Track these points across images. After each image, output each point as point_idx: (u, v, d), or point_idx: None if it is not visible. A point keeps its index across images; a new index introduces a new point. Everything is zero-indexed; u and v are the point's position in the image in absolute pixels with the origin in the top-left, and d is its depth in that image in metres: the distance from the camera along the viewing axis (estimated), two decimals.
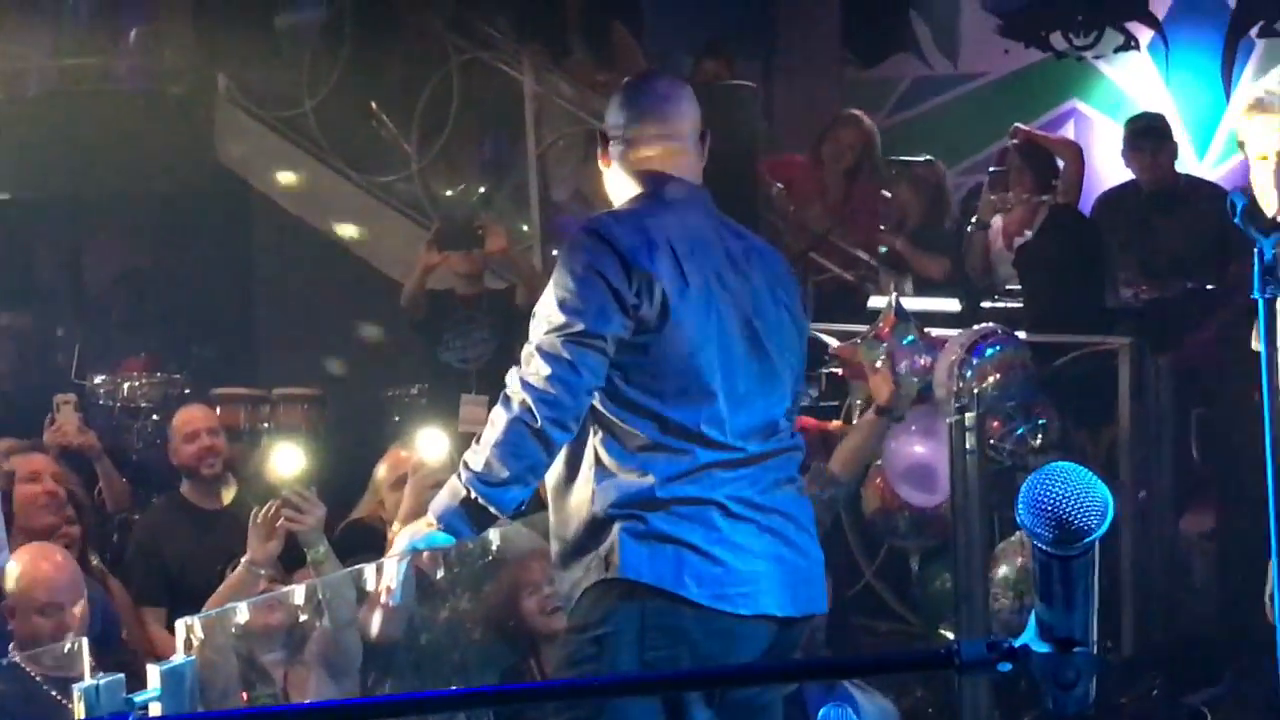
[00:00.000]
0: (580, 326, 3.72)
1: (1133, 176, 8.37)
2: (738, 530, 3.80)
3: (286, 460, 5.17)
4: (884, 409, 5.94)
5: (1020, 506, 2.02)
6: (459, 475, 3.78)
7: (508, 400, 3.74)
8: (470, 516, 3.77)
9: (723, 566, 3.77)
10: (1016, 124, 8.35)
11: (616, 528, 3.76)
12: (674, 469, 3.78)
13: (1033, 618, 2.08)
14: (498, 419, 3.74)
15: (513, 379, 3.76)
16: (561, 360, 3.70)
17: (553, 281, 3.83)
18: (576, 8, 9.36)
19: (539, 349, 3.74)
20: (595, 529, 3.80)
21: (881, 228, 8.55)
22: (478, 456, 3.73)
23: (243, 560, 5.06)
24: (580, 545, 3.83)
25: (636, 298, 3.75)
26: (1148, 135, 8.03)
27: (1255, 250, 3.06)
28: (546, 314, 3.78)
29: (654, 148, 3.97)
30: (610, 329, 3.73)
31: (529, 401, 3.69)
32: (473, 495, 3.73)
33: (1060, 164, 8.14)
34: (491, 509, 3.76)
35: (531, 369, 3.73)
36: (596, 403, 3.81)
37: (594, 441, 3.83)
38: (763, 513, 3.84)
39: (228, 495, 6.47)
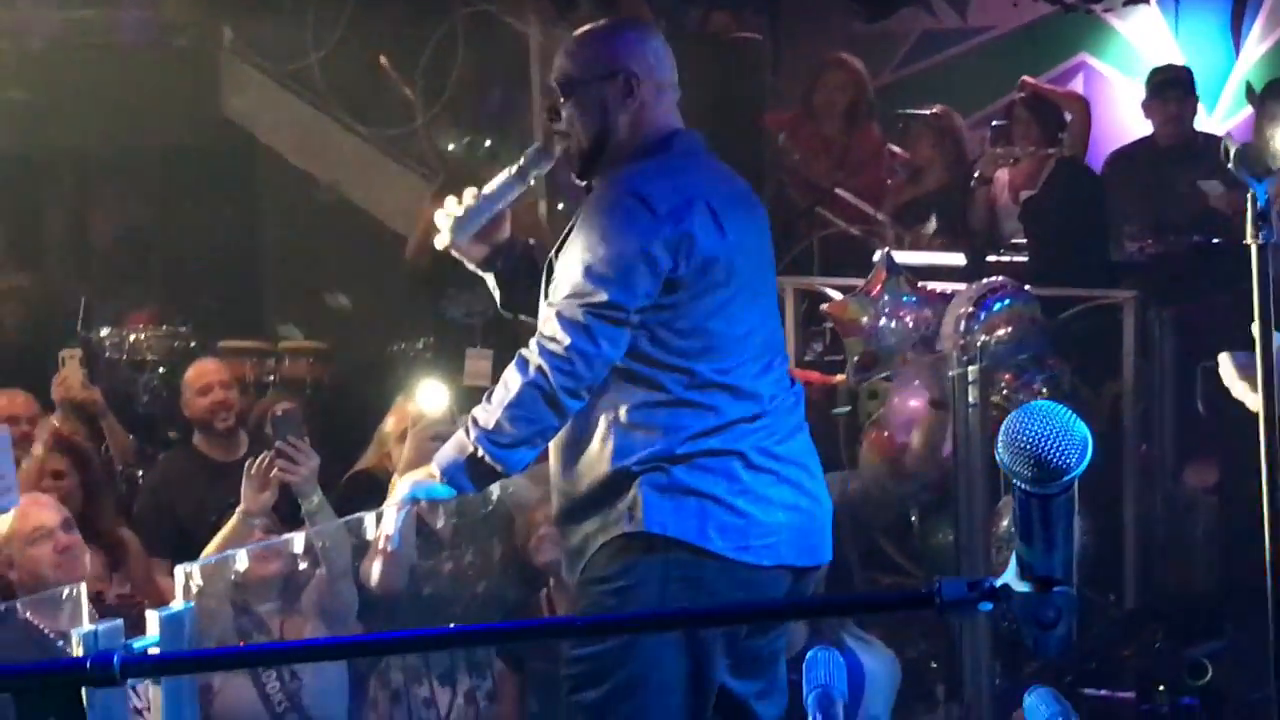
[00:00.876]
0: (604, 297, 3.68)
1: (1143, 133, 8.36)
2: (759, 481, 3.81)
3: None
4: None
5: (999, 445, 2.04)
6: (467, 431, 3.76)
7: (524, 362, 3.71)
8: (475, 472, 3.77)
9: (745, 518, 3.78)
10: (1023, 77, 8.33)
11: (639, 481, 3.76)
12: (701, 425, 3.78)
13: (1013, 557, 2.10)
14: (511, 380, 3.71)
15: (533, 341, 3.73)
16: (581, 330, 3.67)
17: (580, 241, 3.75)
18: None
19: (559, 315, 3.69)
20: (614, 483, 3.79)
21: (889, 182, 8.54)
22: (488, 415, 3.71)
23: (238, 510, 5.08)
24: (595, 499, 3.83)
25: (672, 261, 3.71)
26: (1172, 87, 7.93)
27: (1249, 195, 3.07)
28: (571, 278, 3.72)
29: (668, 97, 3.93)
30: (636, 301, 3.70)
31: (545, 367, 3.67)
32: (480, 453, 3.72)
33: (1067, 117, 8.13)
34: (498, 467, 3.76)
35: (549, 334, 3.69)
36: (625, 356, 3.77)
37: (613, 396, 3.80)
38: (780, 462, 3.85)
39: (240, 448, 6.50)
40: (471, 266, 4.07)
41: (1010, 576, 2.10)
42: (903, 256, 6.82)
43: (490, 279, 4.08)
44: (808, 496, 3.90)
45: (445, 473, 3.79)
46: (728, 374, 3.79)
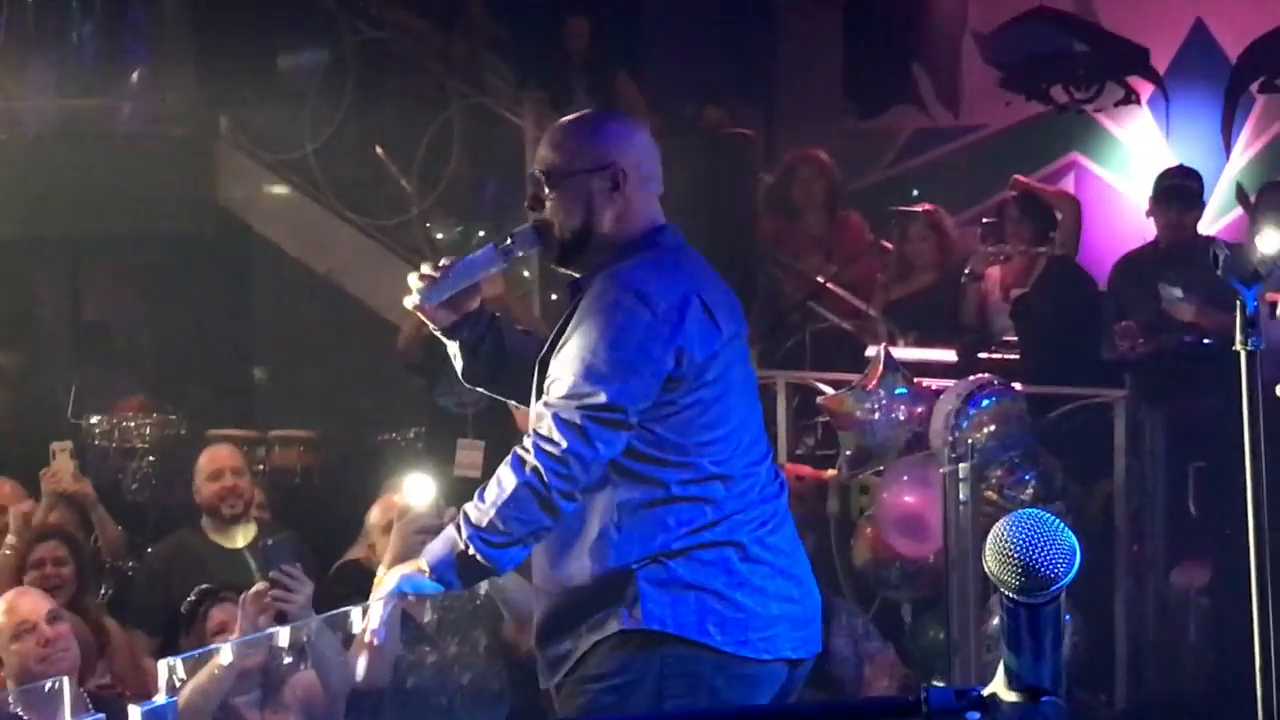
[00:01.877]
0: (603, 399, 3.62)
1: (1135, 232, 8.38)
2: (755, 573, 3.76)
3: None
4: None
5: (986, 554, 2.02)
6: (458, 528, 3.69)
7: (519, 461, 3.64)
8: (465, 570, 3.71)
9: (744, 611, 3.73)
10: (1016, 176, 8.36)
11: (636, 577, 3.71)
12: (700, 519, 3.73)
13: (1000, 666, 2.08)
14: (506, 479, 3.65)
15: (528, 441, 3.68)
16: (578, 432, 3.61)
17: (579, 340, 3.69)
18: (580, 55, 9.40)
19: (556, 415, 3.63)
20: (612, 580, 3.73)
21: (879, 276, 8.58)
22: (481, 514, 3.65)
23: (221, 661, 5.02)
24: (588, 598, 3.76)
25: (673, 360, 3.67)
26: (1180, 191, 7.78)
27: (1238, 302, 3.06)
28: (569, 377, 3.66)
29: (653, 189, 3.89)
30: (635, 403, 3.64)
31: (540, 469, 3.61)
32: (471, 551, 3.66)
33: (1058, 216, 8.15)
34: (489, 566, 3.70)
35: (545, 434, 3.63)
36: (622, 454, 3.71)
37: (610, 496, 3.74)
38: (774, 552, 3.80)
39: (245, 536, 6.51)
40: (436, 332, 3.99)
41: (998, 685, 2.08)
42: (896, 353, 6.82)
43: (453, 347, 4.00)
44: (800, 587, 3.86)
45: (434, 569, 3.73)
46: (724, 465, 3.75)
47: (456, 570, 3.70)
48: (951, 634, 5.98)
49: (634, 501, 3.73)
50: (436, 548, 3.74)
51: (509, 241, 3.89)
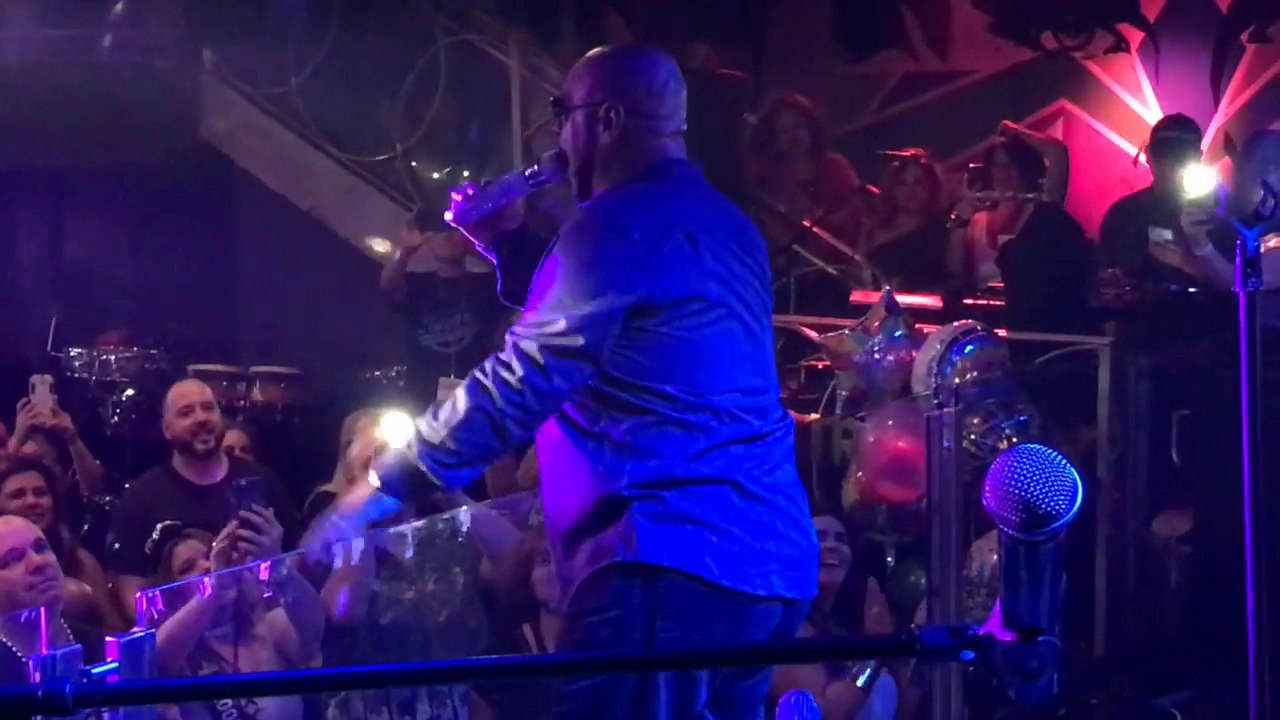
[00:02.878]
0: (561, 326, 3.61)
1: (1123, 178, 8.36)
2: (753, 509, 3.72)
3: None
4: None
5: (986, 489, 1.97)
6: (409, 444, 3.69)
7: (475, 385, 3.64)
8: (413, 485, 3.71)
9: (741, 545, 3.69)
10: (1004, 122, 8.31)
11: (632, 508, 3.66)
12: (692, 446, 3.68)
13: (997, 604, 2.03)
14: (460, 401, 3.64)
15: (488, 364, 3.66)
16: (537, 366, 3.61)
17: (547, 269, 3.70)
18: None
19: (516, 345, 3.63)
20: (606, 510, 3.69)
21: (865, 221, 8.55)
22: (434, 432, 3.65)
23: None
24: (586, 527, 3.73)
25: (645, 290, 3.64)
26: (1178, 146, 7.70)
27: (1238, 242, 3.02)
28: (535, 305, 3.67)
29: (662, 127, 3.82)
30: (595, 332, 3.62)
31: (495, 395, 3.61)
32: (421, 468, 3.66)
33: (1046, 163, 8.11)
34: (438, 484, 3.70)
35: (505, 360, 3.63)
36: (605, 383, 3.69)
37: (600, 420, 3.71)
38: (773, 492, 3.77)
39: (220, 470, 6.42)
40: (479, 247, 4.08)
41: (994, 624, 2.03)
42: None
43: (496, 263, 4.08)
44: (798, 529, 3.82)
45: (385, 482, 3.72)
46: (711, 398, 3.70)
47: (406, 485, 3.71)
48: (932, 580, 5.95)
49: (623, 427, 3.69)
50: (389, 461, 3.75)
51: (535, 167, 3.94)
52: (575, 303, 3.63)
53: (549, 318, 3.63)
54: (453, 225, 4.05)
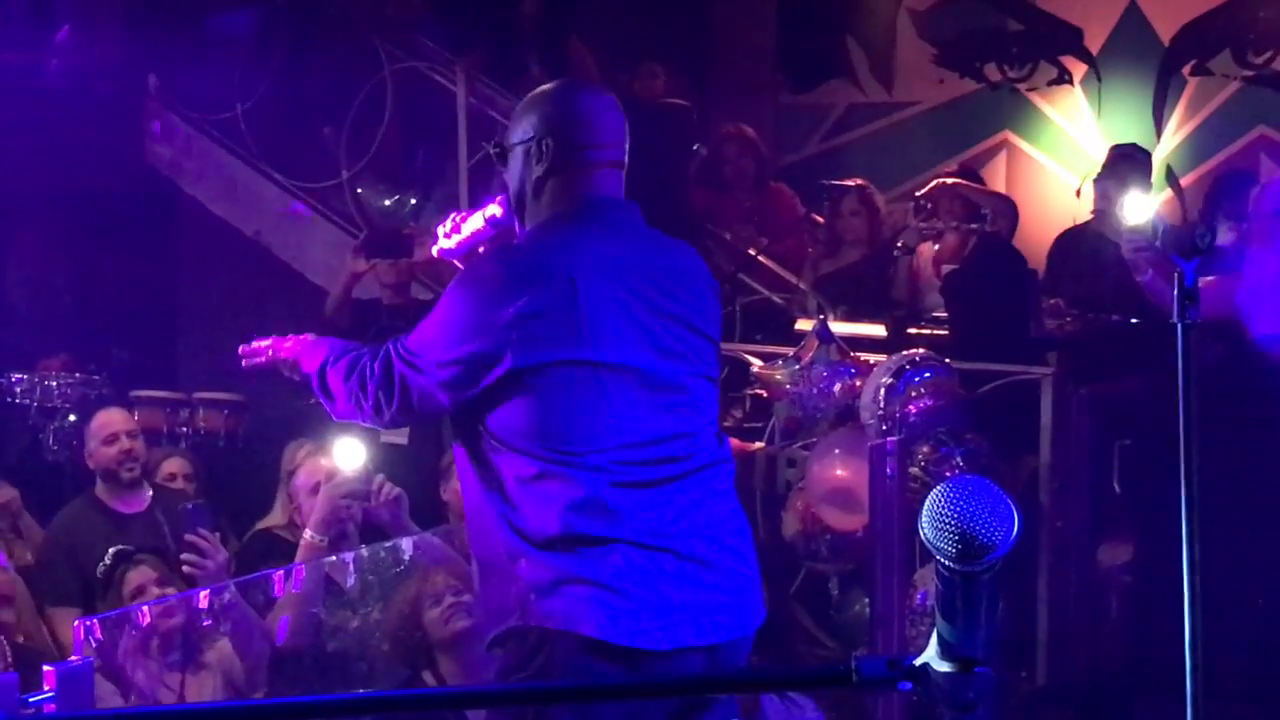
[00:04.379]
0: (419, 361, 3.71)
1: (1064, 211, 8.39)
2: (654, 561, 3.64)
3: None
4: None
5: (923, 520, 1.96)
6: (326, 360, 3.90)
7: (369, 366, 3.80)
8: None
9: (638, 601, 3.60)
10: (946, 180, 8.27)
11: (523, 569, 3.63)
12: (570, 496, 3.62)
13: (934, 636, 2.04)
14: (344, 372, 3.83)
15: (369, 359, 3.81)
16: (389, 387, 3.75)
17: (439, 304, 3.76)
18: (532, 21, 9.27)
19: (387, 359, 3.77)
20: (503, 568, 3.68)
21: (810, 250, 8.58)
22: (332, 373, 3.86)
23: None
24: (489, 585, 3.74)
25: (510, 339, 3.61)
26: (1134, 163, 7.70)
27: (1175, 274, 3.04)
28: (417, 333, 3.77)
29: (604, 157, 3.78)
30: (458, 381, 3.69)
31: (356, 384, 3.80)
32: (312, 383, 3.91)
33: (986, 213, 8.11)
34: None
35: (374, 367, 3.78)
36: (483, 428, 3.70)
37: (492, 470, 3.70)
38: (680, 539, 3.67)
39: (144, 500, 6.37)
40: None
41: (930, 655, 2.03)
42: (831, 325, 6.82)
43: None
44: (716, 571, 3.72)
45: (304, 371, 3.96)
46: (589, 456, 3.64)
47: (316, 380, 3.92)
48: (876, 608, 5.97)
49: (510, 477, 3.68)
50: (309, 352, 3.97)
51: (494, 213, 4.07)
52: (442, 345, 3.68)
53: (419, 350, 3.72)
54: (440, 256, 4.24)
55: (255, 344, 4.14)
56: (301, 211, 8.95)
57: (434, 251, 4.27)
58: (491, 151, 3.95)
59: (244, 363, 4.19)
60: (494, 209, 4.07)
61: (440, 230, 4.21)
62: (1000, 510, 1.97)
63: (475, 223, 4.12)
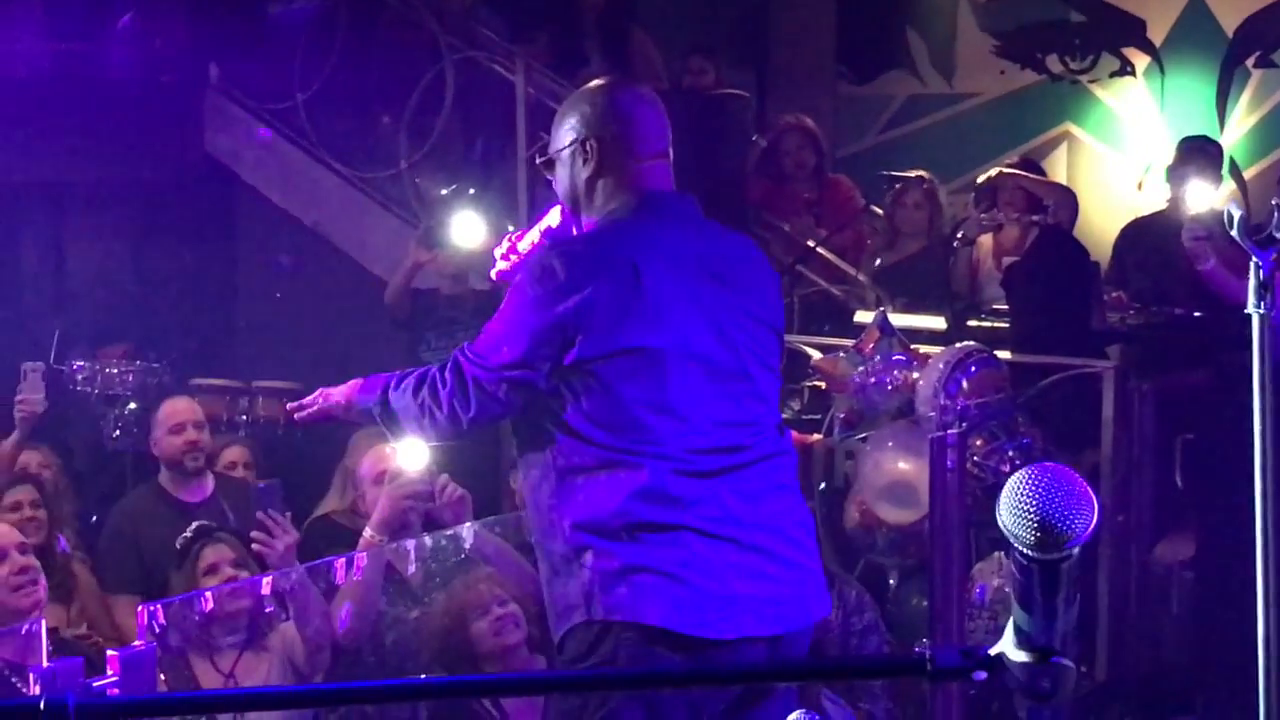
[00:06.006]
0: (495, 366, 3.73)
1: (1126, 203, 8.36)
2: (716, 550, 3.66)
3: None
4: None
5: (1001, 507, 1.95)
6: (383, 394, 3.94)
7: (425, 383, 3.83)
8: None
9: (701, 591, 3.63)
10: (1005, 170, 8.23)
11: (590, 561, 3.66)
12: (635, 484, 3.65)
13: (1010, 625, 2.02)
14: (413, 388, 3.85)
15: (437, 370, 3.82)
16: (465, 389, 3.76)
17: (503, 305, 3.81)
18: (595, 12, 9.26)
19: (456, 364, 3.80)
20: (570, 552, 3.70)
21: (869, 242, 8.56)
22: (397, 396, 3.90)
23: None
24: (556, 581, 3.75)
25: (577, 330, 3.66)
26: (1203, 158, 7.64)
27: (1251, 263, 3.00)
28: (484, 335, 3.80)
29: (648, 150, 3.84)
30: (527, 379, 3.72)
31: (428, 398, 3.82)
32: (374, 411, 3.96)
33: (1048, 204, 8.07)
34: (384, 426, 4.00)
35: (445, 376, 3.80)
36: (549, 420, 3.73)
37: (559, 460, 3.73)
38: (742, 528, 3.70)
39: (207, 489, 6.41)
40: None
41: (1006, 644, 2.02)
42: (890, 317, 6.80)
43: None
44: (778, 562, 3.75)
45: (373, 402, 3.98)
46: (653, 445, 3.68)
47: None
48: (935, 601, 5.93)
49: (569, 464, 3.72)
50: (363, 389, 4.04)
51: (548, 225, 4.08)
52: (510, 343, 3.71)
53: (487, 351, 3.75)
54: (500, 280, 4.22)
55: (301, 400, 4.21)
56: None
57: (492, 275, 4.28)
58: (539, 163, 4.02)
59: (295, 418, 4.25)
60: (550, 219, 4.09)
61: (497, 253, 4.22)
62: (1080, 498, 1.96)
63: (532, 238, 4.13)
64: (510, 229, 4.33)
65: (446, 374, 3.78)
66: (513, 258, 4.13)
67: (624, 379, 3.67)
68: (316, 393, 4.14)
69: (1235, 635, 4.06)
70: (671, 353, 3.69)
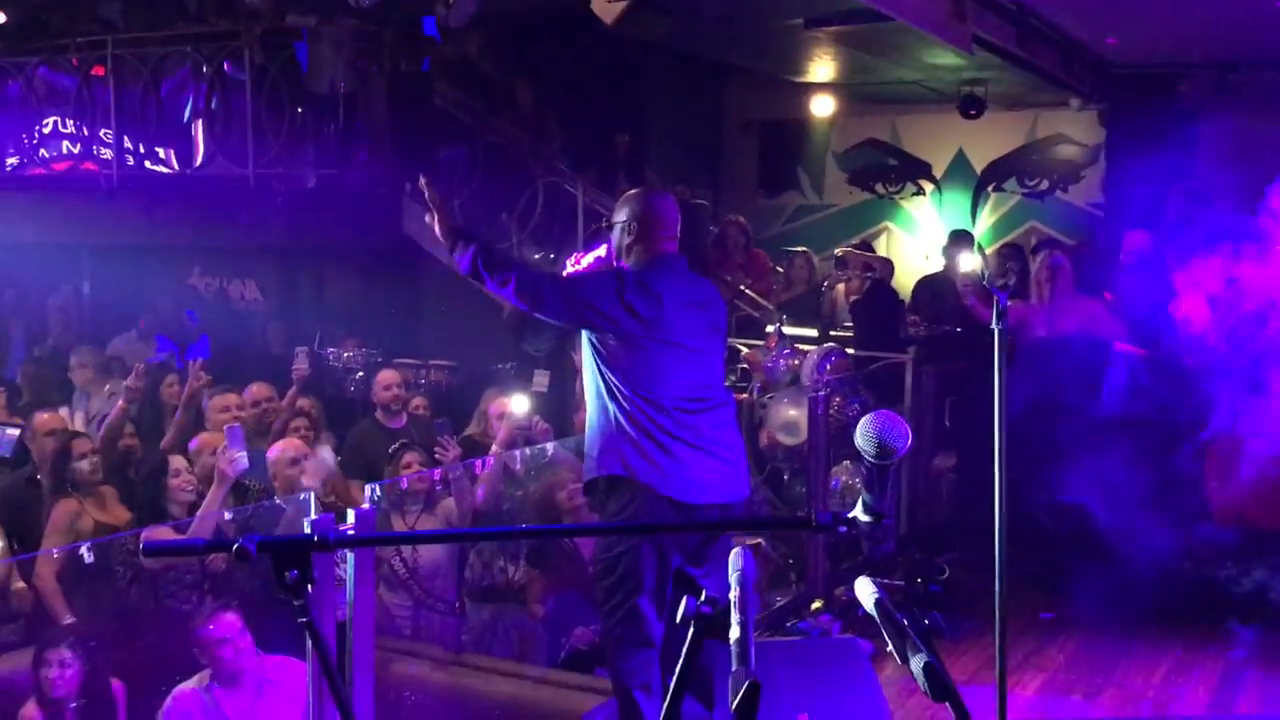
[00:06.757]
0: (574, 292, 3.57)
1: (921, 270, 8.30)
2: (694, 456, 3.64)
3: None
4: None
5: (857, 434, 1.94)
6: (481, 249, 3.59)
7: (525, 275, 3.54)
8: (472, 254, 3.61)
9: (683, 474, 3.61)
10: (852, 248, 8.22)
11: (627, 446, 3.61)
12: (651, 413, 3.60)
13: (860, 500, 2.00)
14: (516, 272, 3.53)
15: (535, 275, 3.59)
16: (541, 292, 3.54)
17: (592, 268, 3.75)
18: (624, 152, 9.24)
19: (554, 278, 3.61)
20: (616, 440, 3.63)
21: (774, 288, 8.52)
22: (493, 260, 3.58)
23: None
24: (606, 446, 3.67)
25: (628, 306, 3.58)
26: (963, 242, 7.71)
27: (994, 300, 2.98)
28: (575, 275, 3.69)
29: (664, 236, 3.77)
30: (586, 315, 3.56)
31: (540, 289, 3.54)
32: (478, 263, 3.58)
33: (876, 268, 8.03)
34: (479, 270, 3.59)
35: (548, 283, 3.57)
36: (601, 380, 3.63)
37: (605, 397, 3.65)
38: (707, 441, 3.68)
39: (402, 421, 6.37)
40: None
41: (858, 511, 2.00)
42: (785, 330, 6.77)
43: None
44: (727, 464, 3.72)
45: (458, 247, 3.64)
46: (655, 394, 3.62)
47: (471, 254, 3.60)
48: (810, 488, 5.90)
49: (616, 397, 3.64)
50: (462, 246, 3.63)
51: (602, 254, 3.95)
52: (590, 291, 3.59)
53: (574, 283, 3.63)
54: None
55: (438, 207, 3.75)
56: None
57: (563, 275, 4.10)
58: (603, 225, 3.96)
59: (426, 193, 3.79)
60: (599, 251, 4.01)
61: (569, 263, 4.11)
62: (900, 430, 1.95)
63: (587, 260, 4.01)
64: (576, 253, 4.21)
65: (550, 283, 3.57)
66: (576, 268, 4.01)
67: (647, 353, 3.62)
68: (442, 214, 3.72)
69: (979, 509, 4.05)
70: (674, 344, 3.66)
